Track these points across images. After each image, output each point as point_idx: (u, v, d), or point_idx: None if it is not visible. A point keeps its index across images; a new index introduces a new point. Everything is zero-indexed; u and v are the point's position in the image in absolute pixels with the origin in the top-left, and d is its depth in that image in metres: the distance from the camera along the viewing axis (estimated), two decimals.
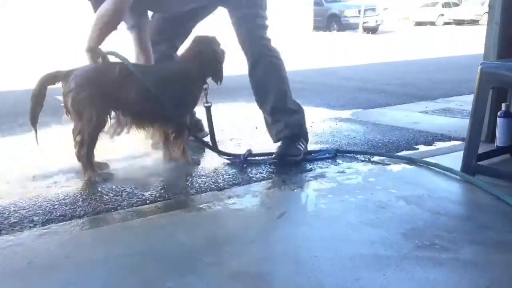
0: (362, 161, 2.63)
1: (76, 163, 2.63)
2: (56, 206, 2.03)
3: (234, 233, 1.72)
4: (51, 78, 2.31)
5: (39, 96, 2.30)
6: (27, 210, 1.99)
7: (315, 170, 2.48)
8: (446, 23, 24.79)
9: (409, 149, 2.86)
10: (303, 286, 1.39)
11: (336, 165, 2.56)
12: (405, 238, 1.67)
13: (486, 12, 3.64)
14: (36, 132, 2.32)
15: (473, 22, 24.08)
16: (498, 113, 2.59)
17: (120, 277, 1.44)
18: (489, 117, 2.72)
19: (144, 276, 1.44)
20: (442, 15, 25.26)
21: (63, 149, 2.59)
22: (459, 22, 24.86)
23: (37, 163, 2.64)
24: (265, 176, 2.40)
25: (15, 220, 1.89)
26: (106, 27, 2.38)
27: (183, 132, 2.54)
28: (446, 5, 25.91)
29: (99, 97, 2.27)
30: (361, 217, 1.88)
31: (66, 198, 2.12)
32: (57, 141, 3.20)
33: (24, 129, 3.63)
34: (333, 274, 1.45)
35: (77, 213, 1.96)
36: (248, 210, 1.96)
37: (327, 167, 2.52)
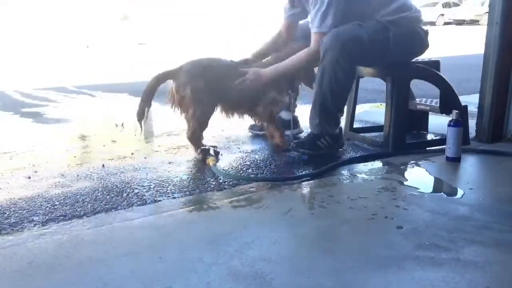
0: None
1: (75, 163, 2.64)
2: (56, 206, 2.03)
3: (234, 233, 1.72)
4: (163, 77, 2.55)
5: (150, 94, 2.53)
6: (27, 210, 1.99)
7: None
8: (446, 23, 24.77)
9: None
10: (303, 286, 1.39)
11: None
12: (405, 238, 1.67)
13: (486, 12, 3.64)
14: (141, 128, 2.56)
15: (473, 22, 24.06)
16: (448, 122, 2.51)
17: (120, 277, 1.44)
18: None
19: (144, 276, 1.44)
20: (442, 15, 25.25)
21: (63, 149, 2.59)
22: (459, 22, 24.84)
23: (37, 163, 2.64)
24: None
25: (15, 220, 1.89)
26: (290, 71, 2.66)
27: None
28: (446, 5, 25.90)
29: (210, 88, 2.54)
30: (360, 217, 1.88)
31: (66, 198, 2.12)
32: (57, 141, 3.21)
33: (26, 129, 3.63)
34: (333, 274, 1.45)
35: (77, 213, 1.96)
36: (248, 210, 1.96)
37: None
